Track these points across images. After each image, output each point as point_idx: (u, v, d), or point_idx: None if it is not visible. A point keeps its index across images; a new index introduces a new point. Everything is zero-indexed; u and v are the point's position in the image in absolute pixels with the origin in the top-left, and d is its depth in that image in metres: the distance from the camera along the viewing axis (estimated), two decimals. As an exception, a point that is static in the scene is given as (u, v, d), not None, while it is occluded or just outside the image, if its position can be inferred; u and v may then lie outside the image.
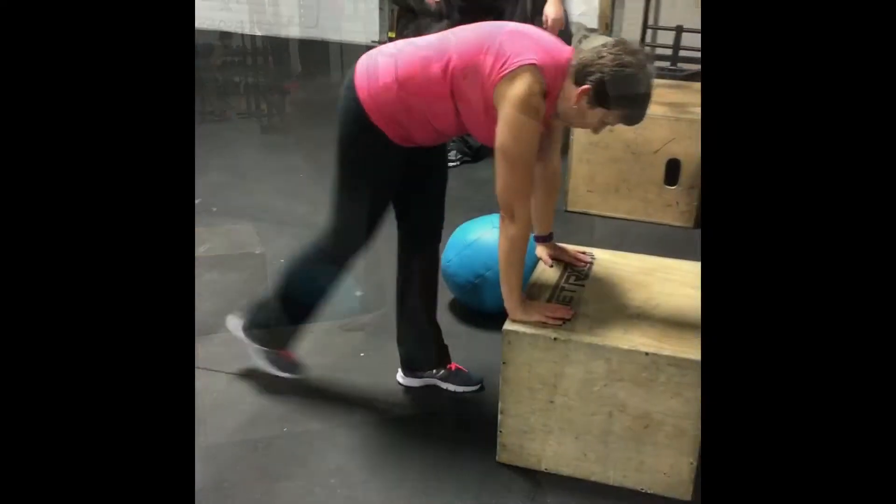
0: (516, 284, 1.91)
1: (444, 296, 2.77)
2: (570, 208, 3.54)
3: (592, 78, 1.78)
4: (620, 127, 3.28)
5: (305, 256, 2.17)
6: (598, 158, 3.41)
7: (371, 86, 1.91)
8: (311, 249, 2.16)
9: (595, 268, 2.17)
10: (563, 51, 1.86)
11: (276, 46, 6.48)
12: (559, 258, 2.19)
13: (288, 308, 2.24)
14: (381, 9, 6.41)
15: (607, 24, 5.64)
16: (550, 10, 3.47)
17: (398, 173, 2.05)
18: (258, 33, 6.81)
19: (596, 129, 1.92)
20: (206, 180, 3.79)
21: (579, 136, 3.38)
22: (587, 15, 5.61)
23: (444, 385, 2.32)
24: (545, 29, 3.47)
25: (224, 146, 4.14)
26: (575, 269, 2.16)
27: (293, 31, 6.75)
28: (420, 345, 2.31)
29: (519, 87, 1.76)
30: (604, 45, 1.81)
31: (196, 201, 3.56)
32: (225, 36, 6.72)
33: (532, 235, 2.20)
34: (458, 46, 1.86)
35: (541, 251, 2.20)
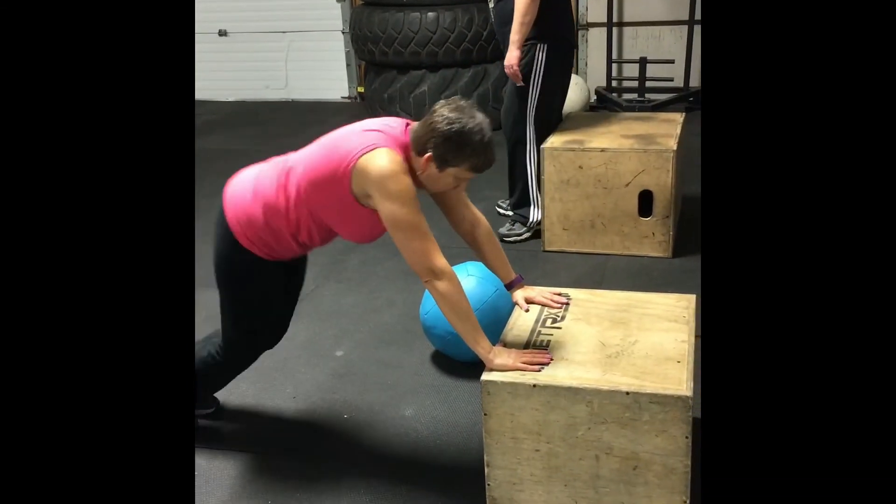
0: (475, 334, 1.91)
1: (427, 348, 2.74)
2: (547, 248, 3.52)
3: (430, 144, 1.85)
4: (591, 162, 3.34)
5: (214, 359, 2.23)
6: (569, 196, 3.40)
7: (238, 213, 2.01)
8: (219, 353, 2.22)
9: (571, 308, 2.14)
10: (401, 129, 1.94)
11: (249, 110, 6.52)
12: (534, 301, 2.16)
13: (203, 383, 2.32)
14: (348, 65, 6.48)
15: (572, 61, 5.70)
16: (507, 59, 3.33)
17: (279, 282, 2.15)
18: (231, 99, 6.86)
19: (455, 188, 1.99)
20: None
21: (550, 175, 3.37)
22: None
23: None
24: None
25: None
26: (551, 312, 2.13)
27: (268, 95, 6.80)
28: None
29: (377, 160, 1.84)
30: (432, 111, 1.89)
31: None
32: (199, 104, 6.75)
33: (503, 285, 2.19)
34: (304, 161, 1.96)
35: (515, 297, 2.18)
